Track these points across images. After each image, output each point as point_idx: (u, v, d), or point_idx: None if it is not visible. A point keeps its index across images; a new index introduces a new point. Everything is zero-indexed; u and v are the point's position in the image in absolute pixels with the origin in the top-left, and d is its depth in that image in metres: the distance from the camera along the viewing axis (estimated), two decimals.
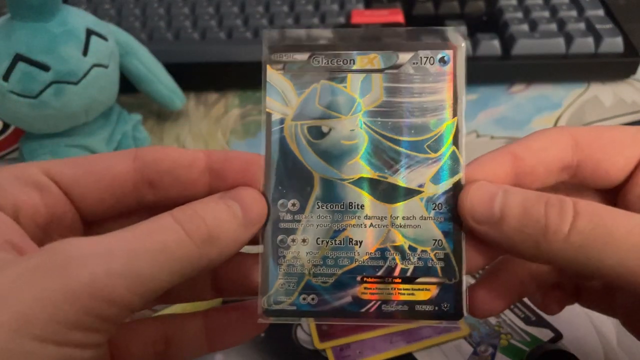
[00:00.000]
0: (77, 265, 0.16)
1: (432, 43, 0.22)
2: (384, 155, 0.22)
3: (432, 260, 0.22)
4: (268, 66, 0.23)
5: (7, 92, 0.35)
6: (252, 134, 0.47)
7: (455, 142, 0.22)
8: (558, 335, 0.33)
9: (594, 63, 0.48)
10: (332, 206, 0.22)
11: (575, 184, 0.24)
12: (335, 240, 0.22)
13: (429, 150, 0.22)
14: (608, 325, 0.33)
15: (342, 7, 0.53)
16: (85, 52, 0.37)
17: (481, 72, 0.49)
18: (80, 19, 0.37)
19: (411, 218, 0.22)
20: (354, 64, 0.22)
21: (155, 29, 0.51)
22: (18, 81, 0.35)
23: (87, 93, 0.37)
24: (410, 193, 0.22)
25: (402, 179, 0.22)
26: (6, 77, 0.35)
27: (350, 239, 0.22)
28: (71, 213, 0.21)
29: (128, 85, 0.43)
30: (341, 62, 0.22)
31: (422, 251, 0.22)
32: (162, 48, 0.47)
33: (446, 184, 0.22)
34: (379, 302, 0.22)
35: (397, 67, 0.22)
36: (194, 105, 0.50)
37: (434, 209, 0.22)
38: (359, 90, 0.22)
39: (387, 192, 0.22)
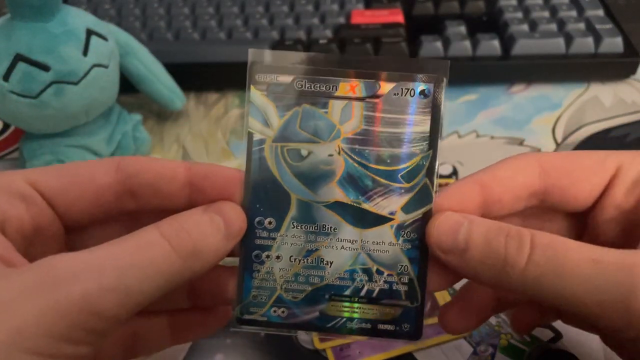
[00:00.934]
0: (70, 281, 0.16)
1: (413, 75, 0.22)
2: (359, 182, 0.23)
3: (397, 283, 0.23)
4: (252, 86, 0.24)
5: (7, 92, 0.35)
6: None
7: (429, 174, 0.23)
8: (558, 335, 0.33)
9: (593, 63, 0.48)
10: (306, 227, 0.23)
11: (544, 208, 0.24)
12: (307, 259, 0.23)
13: (402, 180, 0.23)
14: None
15: (342, 7, 0.53)
16: (85, 52, 0.37)
17: (481, 72, 0.49)
18: (81, 19, 0.37)
19: (380, 243, 0.23)
20: (336, 90, 0.23)
21: (155, 29, 0.51)
22: (18, 81, 0.35)
23: (87, 93, 0.37)
24: (381, 220, 0.23)
25: (374, 206, 0.23)
26: (6, 77, 0.35)
27: (321, 259, 0.23)
28: (55, 223, 0.21)
29: (128, 85, 0.43)
30: (324, 88, 0.23)
31: (389, 275, 0.23)
32: (162, 48, 0.47)
33: (416, 214, 0.23)
34: (344, 319, 0.23)
35: (378, 96, 0.23)
36: (194, 105, 0.50)
37: (402, 236, 0.23)
38: (339, 117, 0.23)
39: (359, 217, 0.23)
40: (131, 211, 0.23)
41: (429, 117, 0.22)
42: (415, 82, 0.22)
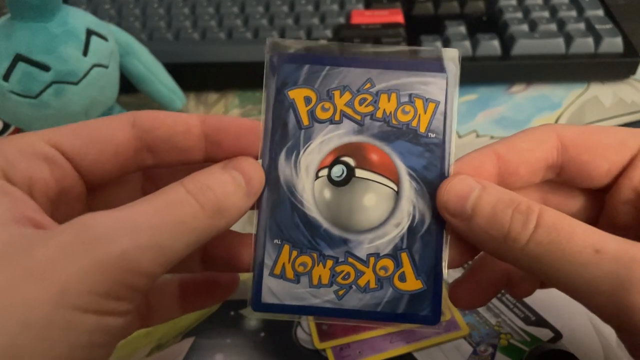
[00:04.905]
0: (108, 240, 0.17)
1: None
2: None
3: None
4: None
5: (7, 92, 0.36)
6: None
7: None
8: (558, 335, 0.33)
9: (593, 63, 0.48)
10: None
11: (561, 183, 0.24)
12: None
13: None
14: (608, 325, 0.33)
15: (342, 7, 0.53)
16: (85, 52, 0.37)
17: (481, 72, 0.49)
18: (81, 19, 0.37)
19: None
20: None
21: (155, 29, 0.51)
22: (18, 81, 0.35)
23: (87, 93, 0.37)
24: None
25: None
26: (6, 77, 0.35)
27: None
28: (78, 183, 0.22)
29: (128, 85, 0.43)
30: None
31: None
32: (162, 48, 0.47)
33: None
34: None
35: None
36: (194, 105, 0.50)
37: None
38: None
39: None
40: (149, 167, 0.23)
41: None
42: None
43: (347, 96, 0.23)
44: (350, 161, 0.23)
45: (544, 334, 0.33)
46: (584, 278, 0.19)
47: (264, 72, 0.23)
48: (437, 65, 0.24)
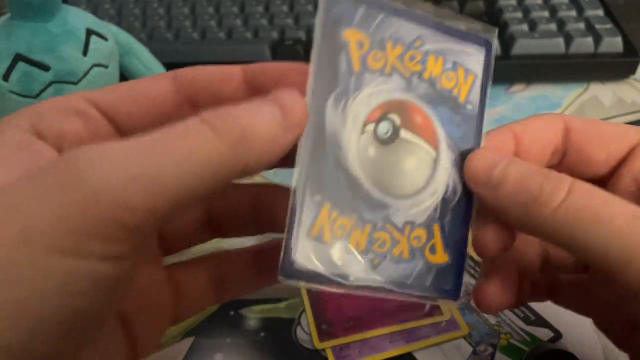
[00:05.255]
0: (92, 173, 0.15)
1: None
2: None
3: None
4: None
5: (7, 92, 0.35)
6: None
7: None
8: (558, 335, 0.33)
9: (593, 63, 0.48)
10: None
11: (564, 169, 0.24)
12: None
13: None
14: None
15: None
16: (85, 52, 0.37)
17: None
18: (81, 19, 0.37)
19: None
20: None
21: (155, 29, 0.51)
22: (18, 81, 0.35)
23: None
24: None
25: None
26: (6, 77, 0.35)
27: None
28: (114, 137, 0.20)
29: None
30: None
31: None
32: (162, 48, 0.47)
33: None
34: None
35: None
36: None
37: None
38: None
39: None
40: None
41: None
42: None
43: (399, 49, 0.22)
44: (397, 120, 0.22)
45: (544, 334, 0.33)
46: (619, 245, 0.18)
47: (318, 6, 0.20)
48: (481, 40, 0.24)
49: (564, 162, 0.24)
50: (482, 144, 0.23)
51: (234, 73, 0.21)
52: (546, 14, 0.51)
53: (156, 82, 0.20)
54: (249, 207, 0.24)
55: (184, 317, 0.23)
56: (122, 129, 0.20)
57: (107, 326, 0.19)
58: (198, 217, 0.24)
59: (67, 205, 0.14)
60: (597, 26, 0.48)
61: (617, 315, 0.25)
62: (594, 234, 0.19)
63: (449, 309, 0.34)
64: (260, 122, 0.17)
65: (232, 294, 0.25)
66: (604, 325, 0.26)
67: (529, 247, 0.25)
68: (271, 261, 0.22)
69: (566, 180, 0.20)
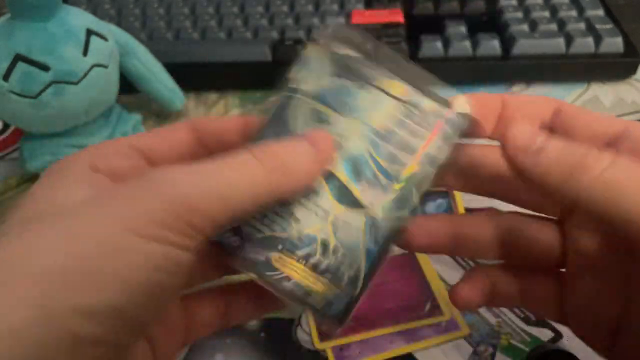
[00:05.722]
0: (172, 184, 0.19)
1: (453, 109, 0.24)
2: (360, 168, 0.24)
3: (346, 268, 0.24)
4: (315, 43, 0.25)
5: (7, 92, 0.35)
6: None
7: (418, 188, 0.24)
8: (558, 335, 0.33)
9: (594, 63, 0.48)
10: None
11: None
12: (280, 208, 0.24)
13: (393, 182, 0.24)
14: None
15: (342, 7, 0.53)
16: (85, 52, 0.37)
17: (481, 72, 0.49)
18: (80, 19, 0.37)
19: (349, 226, 0.24)
20: (382, 82, 0.24)
21: (155, 29, 0.51)
22: (18, 81, 0.35)
23: (87, 93, 0.37)
24: (360, 206, 0.24)
25: (361, 193, 0.24)
26: (6, 77, 0.35)
27: (292, 213, 0.24)
28: None
29: (128, 85, 0.43)
30: (373, 75, 0.24)
31: (342, 256, 0.24)
32: (162, 48, 0.47)
33: (391, 215, 0.24)
34: (283, 275, 0.24)
35: (416, 107, 0.24)
36: (194, 105, 0.50)
37: (370, 230, 0.24)
38: (373, 104, 0.24)
39: (343, 195, 0.24)
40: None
41: (448, 146, 0.24)
42: (452, 114, 0.24)
43: None
44: None
45: (544, 334, 0.33)
46: None
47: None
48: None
49: None
50: (410, 218, 0.24)
51: (238, 124, 0.25)
52: (546, 14, 0.50)
53: (182, 131, 0.25)
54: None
55: (191, 339, 0.26)
56: (154, 165, 0.25)
57: (135, 346, 0.22)
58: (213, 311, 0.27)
59: (154, 205, 0.19)
60: (597, 26, 0.48)
61: (594, 319, 0.25)
62: (635, 203, 0.19)
63: (449, 308, 0.34)
64: (298, 157, 0.22)
65: (236, 321, 0.27)
66: (581, 333, 0.26)
67: (488, 251, 0.26)
68: (243, 302, 0.27)
69: (610, 153, 0.20)
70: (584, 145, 0.21)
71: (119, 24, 0.49)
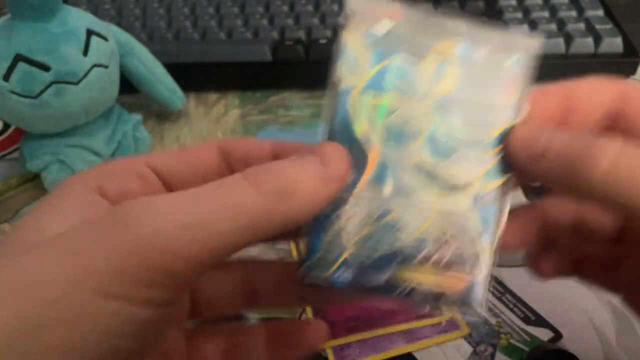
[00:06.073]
0: (140, 220, 0.16)
1: (511, 42, 0.23)
2: (442, 147, 0.22)
3: (466, 255, 0.22)
4: (346, 31, 0.23)
5: (7, 92, 0.36)
6: (252, 134, 0.47)
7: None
8: (558, 335, 0.33)
9: (593, 63, 0.48)
10: (383, 188, 0.22)
11: (616, 133, 0.23)
12: (380, 222, 0.22)
13: (485, 149, 0.22)
14: (608, 325, 0.33)
15: (342, 7, 0.53)
16: (85, 52, 0.37)
17: None
18: (81, 19, 0.37)
19: (455, 212, 0.22)
20: (432, 47, 0.22)
21: (155, 29, 0.51)
22: (18, 81, 0.35)
23: (88, 93, 0.37)
24: (459, 188, 0.22)
25: (455, 173, 0.22)
26: (6, 77, 0.35)
27: (395, 222, 0.22)
28: None
29: (128, 85, 0.43)
30: (422, 42, 0.22)
31: (458, 245, 0.22)
32: (162, 48, 0.47)
33: (494, 183, 0.22)
34: (411, 287, 0.22)
35: (472, 60, 0.22)
36: (194, 105, 0.50)
37: (479, 206, 0.22)
38: (433, 75, 0.22)
39: (438, 182, 0.22)
40: None
41: (519, 89, 0.22)
42: (510, 50, 0.23)
43: None
44: None
45: (544, 334, 0.33)
46: None
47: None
48: None
49: (617, 127, 0.23)
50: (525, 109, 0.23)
51: (265, 147, 0.23)
52: (546, 14, 0.51)
53: (206, 152, 0.23)
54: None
55: None
56: (173, 189, 0.22)
57: None
58: (232, 286, 0.25)
59: (118, 250, 0.15)
60: (597, 26, 0.48)
61: None
62: None
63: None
64: (301, 176, 0.18)
65: None
66: (634, 302, 0.25)
67: (561, 213, 0.24)
68: (280, 339, 0.24)
69: (616, 140, 0.19)
70: (588, 136, 0.20)
71: (119, 24, 0.49)
